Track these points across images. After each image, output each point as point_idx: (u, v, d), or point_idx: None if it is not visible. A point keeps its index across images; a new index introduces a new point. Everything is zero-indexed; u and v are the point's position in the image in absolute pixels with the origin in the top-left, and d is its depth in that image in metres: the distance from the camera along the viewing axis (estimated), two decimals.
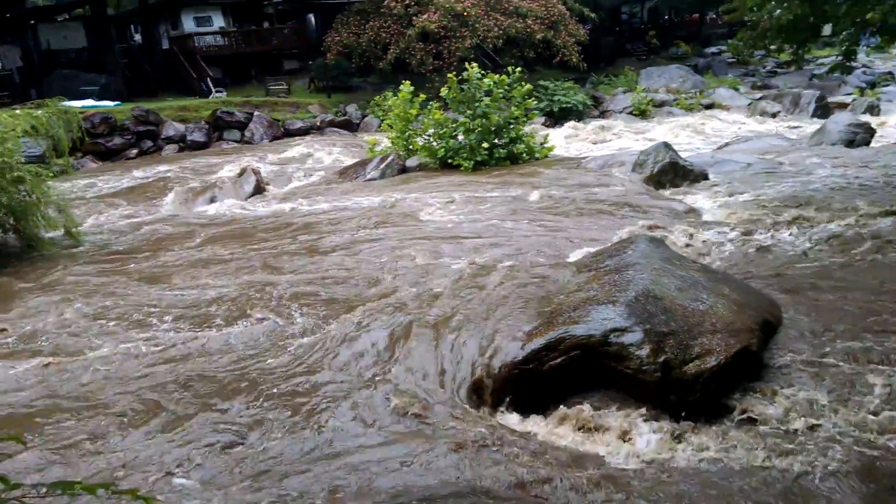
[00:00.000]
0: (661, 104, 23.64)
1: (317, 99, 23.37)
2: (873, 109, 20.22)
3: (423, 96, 13.21)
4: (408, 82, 13.20)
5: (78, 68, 21.65)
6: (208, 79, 22.57)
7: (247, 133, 19.49)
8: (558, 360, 3.77)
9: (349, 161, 14.05)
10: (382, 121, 15.16)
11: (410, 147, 13.02)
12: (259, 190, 11.31)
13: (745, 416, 3.53)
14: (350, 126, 21.51)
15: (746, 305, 4.32)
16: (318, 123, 21.00)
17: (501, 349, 3.92)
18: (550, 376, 3.79)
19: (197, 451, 3.44)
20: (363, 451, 3.37)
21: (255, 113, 20.04)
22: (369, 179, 11.67)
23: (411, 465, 3.21)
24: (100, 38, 22.49)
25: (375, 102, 20.96)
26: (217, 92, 22.01)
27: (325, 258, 6.58)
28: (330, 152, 16.06)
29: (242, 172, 11.85)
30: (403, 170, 12.25)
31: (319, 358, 4.40)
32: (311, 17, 27.21)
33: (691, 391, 3.58)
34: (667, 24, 37.78)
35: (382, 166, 12.00)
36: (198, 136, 18.38)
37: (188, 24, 24.46)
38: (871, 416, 3.35)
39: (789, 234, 6.60)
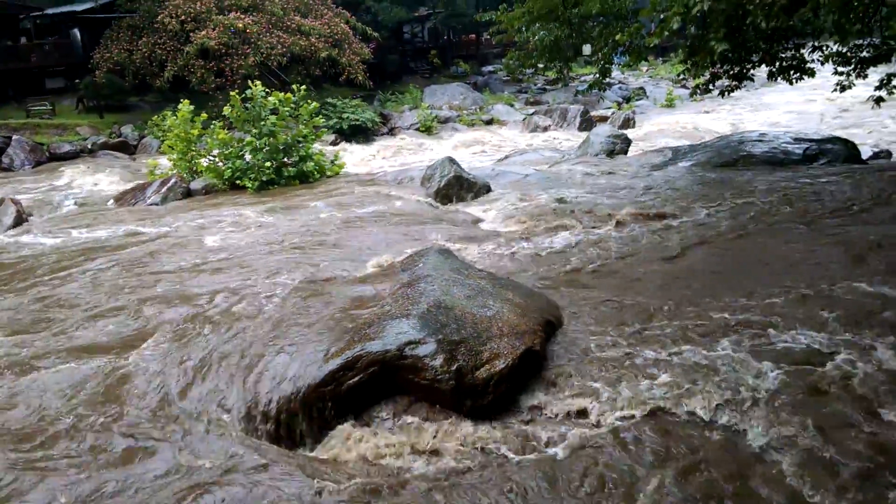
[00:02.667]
0: (446, 120, 24.66)
1: (87, 120, 21.58)
2: (629, 122, 22.61)
3: (204, 115, 12.70)
4: (187, 101, 12.58)
5: None
6: None
7: (5, 159, 17.64)
8: (357, 378, 3.77)
9: (127, 185, 13.09)
10: (163, 142, 14.31)
11: (195, 169, 12.44)
12: (20, 221, 10.16)
13: (533, 410, 3.76)
14: (127, 148, 20.13)
15: (529, 308, 4.62)
16: (89, 146, 19.42)
17: (298, 373, 3.83)
18: (351, 395, 3.77)
19: None
20: None
21: (15, 137, 18.18)
22: (151, 204, 10.94)
23: None
24: None
25: (154, 122, 19.68)
26: None
27: (97, 292, 6.04)
28: (104, 177, 14.87)
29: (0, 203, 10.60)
30: (188, 193, 11.64)
31: (89, 407, 4.01)
32: (77, 32, 24.96)
33: (484, 394, 3.75)
34: (446, 43, 39.44)
35: (164, 190, 11.32)
36: None
37: None
38: (638, 396, 3.71)
39: (564, 238, 7.16)
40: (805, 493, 2.97)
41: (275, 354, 4.10)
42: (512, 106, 27.78)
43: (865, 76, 11.39)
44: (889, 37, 11.00)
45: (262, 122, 11.81)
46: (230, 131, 12.62)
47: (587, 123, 22.72)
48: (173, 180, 11.64)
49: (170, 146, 12.62)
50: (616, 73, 32.32)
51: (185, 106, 12.35)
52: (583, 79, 29.50)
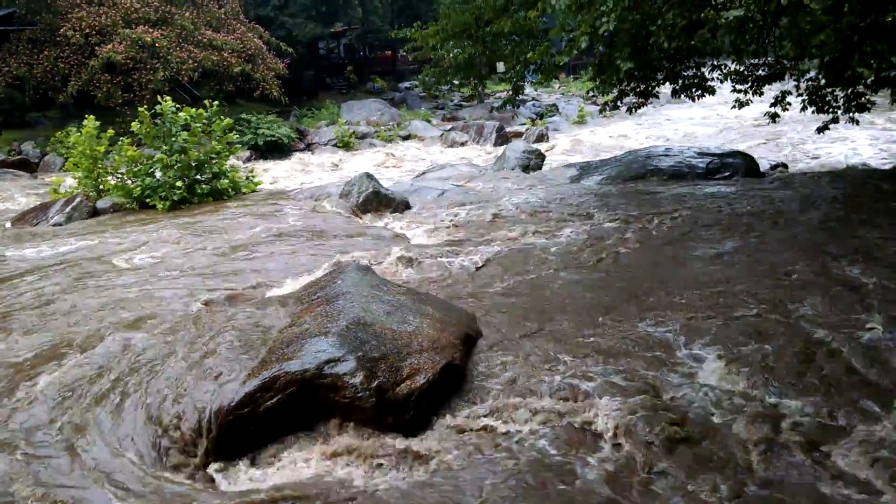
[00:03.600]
0: (364, 136, 24.63)
1: None
2: (543, 137, 23.16)
3: (111, 132, 12.24)
4: (92, 117, 12.10)
5: None
6: None
7: None
8: (275, 399, 3.70)
9: (27, 205, 12.47)
10: (66, 159, 13.69)
11: (101, 187, 11.97)
12: None
13: (453, 424, 3.79)
14: (27, 166, 19.17)
15: (448, 322, 4.67)
16: None
17: (213, 397, 3.74)
18: (268, 418, 3.70)
19: None
20: None
21: None
22: (54, 224, 10.44)
23: None
24: None
25: (57, 139, 18.84)
26: None
27: None
28: (1, 197, 14.11)
29: None
30: (95, 212, 11.18)
31: None
32: None
33: (405, 410, 3.76)
34: (363, 59, 39.49)
35: (68, 209, 10.83)
36: None
37: None
38: (551, 406, 3.80)
39: (482, 251, 7.26)
40: None
41: (187, 377, 3.98)
42: (429, 122, 27.99)
43: (762, 93, 12.07)
44: (782, 56, 11.72)
45: (173, 139, 11.48)
46: (139, 148, 12.21)
47: (503, 139, 23.12)
48: (78, 199, 11.15)
49: (74, 164, 12.08)
50: (529, 90, 33.12)
51: (91, 122, 11.87)
52: (497, 95, 30.07)
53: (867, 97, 11.77)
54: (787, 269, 5.92)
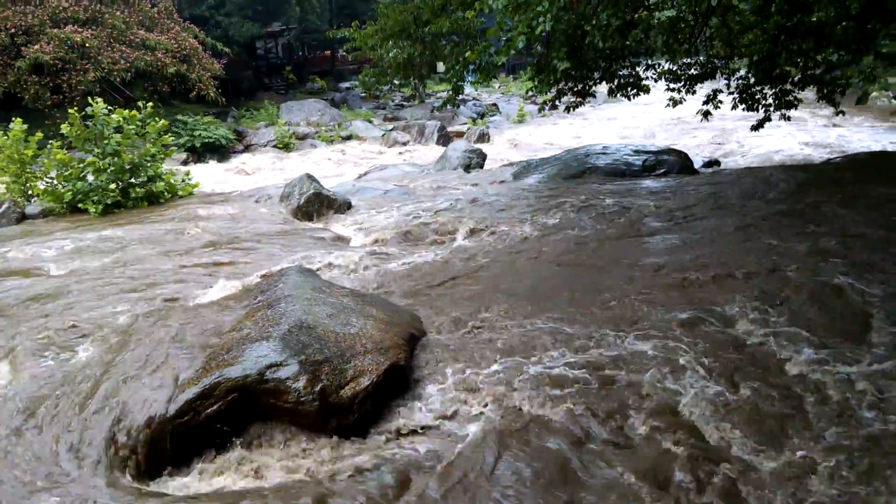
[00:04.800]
0: (304, 137, 24.39)
1: None
2: (484, 136, 23.35)
3: (40, 135, 11.85)
4: (19, 119, 11.67)
5: None
6: None
7: None
8: (216, 406, 3.63)
9: None
10: None
11: (30, 192, 11.56)
12: None
13: (399, 425, 3.79)
14: None
15: (393, 323, 4.66)
16: None
17: (152, 406, 3.65)
18: (210, 425, 3.62)
19: None
20: None
21: None
22: None
23: None
24: None
25: None
26: None
27: None
28: None
29: None
30: (23, 217, 10.79)
31: None
32: None
33: (349, 413, 3.73)
34: (302, 59, 39.05)
35: None
36: None
37: None
38: (492, 402, 3.84)
39: (424, 250, 7.28)
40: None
41: (126, 387, 3.88)
42: (370, 122, 27.89)
43: (694, 92, 12.41)
44: (713, 56, 12.09)
45: (106, 142, 11.16)
46: (70, 151, 11.83)
47: (444, 139, 23.22)
48: (6, 205, 10.75)
49: (1, 168, 11.62)
50: (470, 90, 33.37)
51: (18, 124, 11.45)
52: (439, 95, 30.16)
53: (794, 95, 12.24)
54: (709, 258, 6.08)
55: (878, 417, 3.54)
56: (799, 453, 3.32)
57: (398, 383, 4.09)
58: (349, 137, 25.10)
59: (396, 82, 11.29)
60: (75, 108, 11.69)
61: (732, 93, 12.51)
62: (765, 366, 4.13)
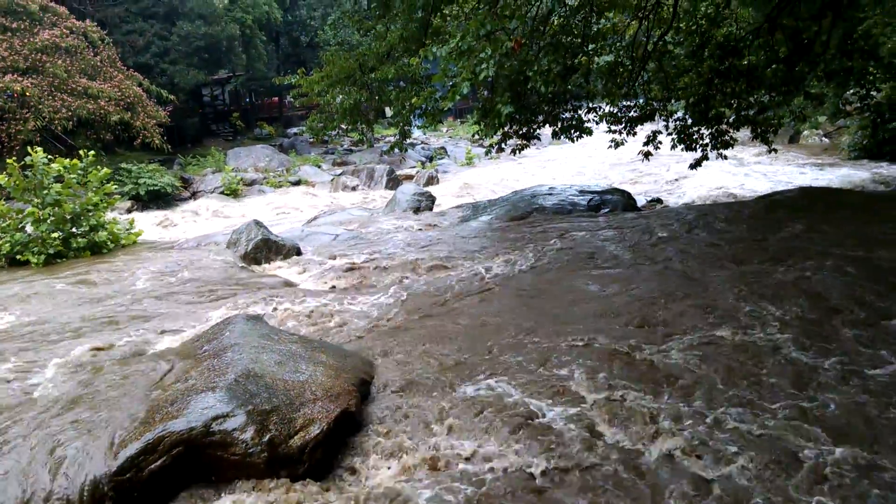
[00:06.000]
0: (252, 183, 24.21)
1: None
2: (433, 179, 23.55)
3: None
4: None
5: None
6: None
7: None
8: (160, 461, 3.52)
9: None
10: None
11: None
12: None
13: (349, 473, 3.73)
14: None
15: (342, 369, 4.61)
16: None
17: (91, 463, 3.52)
18: (153, 482, 3.51)
19: None
20: None
21: None
22: None
23: None
24: None
25: None
26: None
27: None
28: None
29: None
30: None
31: None
32: None
33: (299, 462, 3.66)
34: (249, 106, 39.00)
35: None
36: None
37: None
38: (445, 443, 3.82)
39: (373, 293, 7.26)
40: None
41: (63, 445, 3.73)
42: (319, 167, 27.88)
43: (635, 133, 12.80)
44: (651, 98, 12.52)
45: (45, 191, 10.91)
46: (8, 202, 11.52)
47: (393, 182, 23.34)
48: None
49: None
50: (418, 134, 33.74)
51: None
52: (387, 139, 30.39)
53: (730, 134, 12.73)
54: (653, 291, 6.22)
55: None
56: None
57: (350, 429, 4.03)
58: (298, 182, 25.02)
59: (344, 127, 11.33)
60: (13, 158, 11.42)
61: (671, 133, 12.95)
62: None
